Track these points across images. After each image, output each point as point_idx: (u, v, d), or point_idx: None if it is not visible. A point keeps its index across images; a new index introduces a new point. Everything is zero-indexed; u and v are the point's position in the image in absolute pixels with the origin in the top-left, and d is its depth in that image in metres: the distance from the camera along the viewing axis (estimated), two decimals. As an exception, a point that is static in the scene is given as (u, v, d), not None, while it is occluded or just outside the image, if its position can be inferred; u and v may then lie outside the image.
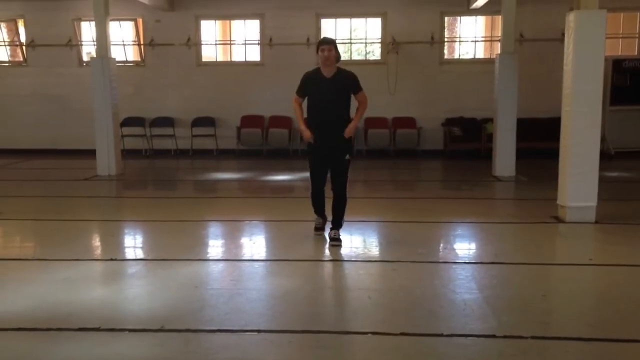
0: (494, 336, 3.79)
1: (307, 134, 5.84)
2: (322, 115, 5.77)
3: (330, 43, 5.74)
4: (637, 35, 13.24)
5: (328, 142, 5.78)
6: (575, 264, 5.48)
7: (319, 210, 6.17)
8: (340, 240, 5.83)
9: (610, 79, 12.32)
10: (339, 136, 5.74)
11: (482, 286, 4.77)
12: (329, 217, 6.08)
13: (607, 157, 11.37)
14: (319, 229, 6.21)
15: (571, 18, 6.66)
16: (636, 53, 13.24)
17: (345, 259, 5.56)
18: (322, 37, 6.36)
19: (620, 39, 13.38)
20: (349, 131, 5.75)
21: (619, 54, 13.19)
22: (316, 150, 5.84)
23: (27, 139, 14.00)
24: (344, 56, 13.83)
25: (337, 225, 5.92)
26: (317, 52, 5.78)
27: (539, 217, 7.11)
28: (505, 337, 3.78)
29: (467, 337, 3.79)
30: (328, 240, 5.90)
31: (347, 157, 5.84)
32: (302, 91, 5.94)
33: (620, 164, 11.61)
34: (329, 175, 5.97)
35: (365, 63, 13.94)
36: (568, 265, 5.53)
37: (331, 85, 5.75)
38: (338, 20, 13.78)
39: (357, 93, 5.84)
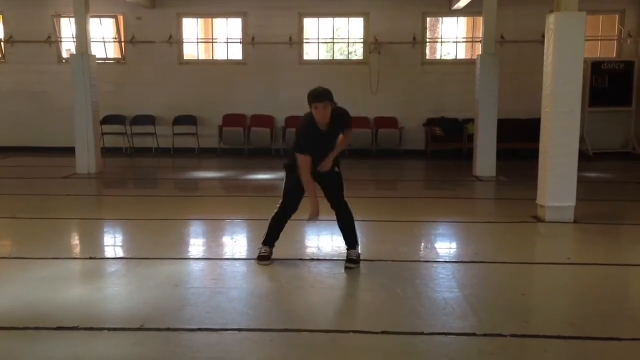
0: (474, 334, 3.82)
1: (315, 210, 5.01)
2: (316, 160, 5.03)
3: (325, 99, 4.84)
4: (615, 38, 13.41)
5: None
6: (554, 263, 5.53)
7: (273, 238, 5.37)
8: (358, 262, 5.19)
9: (589, 80, 12.50)
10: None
11: (463, 285, 4.80)
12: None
13: (585, 158, 11.52)
14: (265, 257, 5.31)
15: (551, 20, 6.72)
16: (615, 55, 13.42)
17: (327, 257, 5.55)
18: (313, 89, 4.95)
19: (599, 41, 13.54)
20: (325, 164, 5.09)
21: (598, 55, 13.35)
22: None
23: (6, 137, 13.79)
24: (327, 56, 13.98)
25: (352, 243, 5.26)
26: (310, 106, 4.88)
27: (519, 216, 7.16)
28: (485, 335, 3.81)
29: (447, 336, 3.81)
30: (346, 261, 5.21)
31: (337, 169, 5.24)
32: (308, 148, 4.95)
33: (599, 164, 11.76)
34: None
35: (348, 63, 13.98)
36: (547, 264, 5.58)
37: (328, 136, 5.04)
38: (320, 19, 13.77)
39: (345, 131, 5.15)
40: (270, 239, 5.37)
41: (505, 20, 12.30)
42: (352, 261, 5.18)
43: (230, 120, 13.53)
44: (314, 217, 5.05)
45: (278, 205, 5.32)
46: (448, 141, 13.06)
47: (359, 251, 5.29)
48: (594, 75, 12.65)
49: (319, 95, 4.87)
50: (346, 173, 5.56)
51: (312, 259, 5.50)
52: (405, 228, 6.78)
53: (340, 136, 5.17)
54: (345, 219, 5.24)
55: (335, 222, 5.34)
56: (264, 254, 5.32)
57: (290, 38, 13.41)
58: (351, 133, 5.26)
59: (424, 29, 13.59)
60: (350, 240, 5.27)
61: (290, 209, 5.27)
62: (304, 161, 4.93)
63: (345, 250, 5.30)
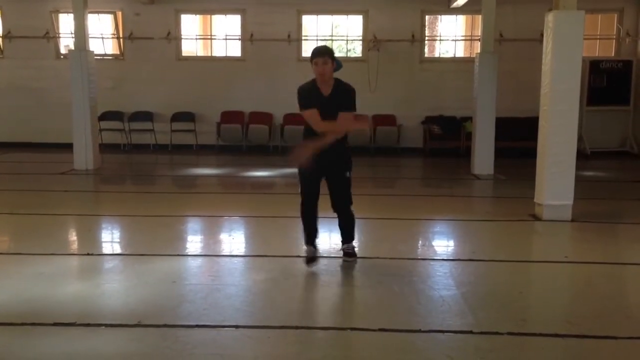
0: (471, 332, 3.83)
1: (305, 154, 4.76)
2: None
3: (325, 54, 4.77)
4: (614, 37, 13.42)
5: (324, 162, 4.85)
6: (551, 261, 5.53)
7: (310, 236, 5.16)
8: (355, 255, 5.22)
9: (588, 79, 12.49)
10: (337, 159, 4.96)
11: (460, 283, 4.80)
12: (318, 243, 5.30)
13: (583, 157, 11.53)
14: (312, 260, 5.12)
15: (550, 18, 6.72)
16: (613, 54, 13.43)
17: (324, 255, 5.55)
18: (316, 46, 4.98)
19: (598, 40, 13.55)
20: (327, 139, 4.77)
21: (596, 55, 13.36)
22: (309, 168, 4.88)
23: (4, 133, 13.74)
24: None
25: (348, 238, 5.20)
26: (311, 63, 4.80)
27: (516, 214, 7.17)
28: (482, 333, 3.82)
29: (444, 333, 3.82)
30: (343, 255, 5.20)
31: (348, 174, 5.02)
32: (311, 103, 4.84)
33: (596, 163, 11.77)
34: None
35: (346, 60, 13.71)
36: (544, 262, 5.58)
37: (330, 103, 4.83)
38: (319, 16, 13.76)
39: (348, 110, 4.87)
40: (308, 238, 5.17)
41: (504, 19, 12.30)
42: (348, 255, 5.18)
43: (229, 117, 13.51)
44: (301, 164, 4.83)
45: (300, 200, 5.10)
46: (446, 139, 13.06)
47: (354, 245, 5.27)
48: (592, 74, 12.64)
49: (320, 50, 4.83)
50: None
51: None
52: (403, 226, 6.78)
53: (340, 114, 4.84)
54: (345, 219, 5.15)
55: (332, 220, 5.31)
56: (308, 256, 5.13)
57: (289, 35, 13.39)
58: (349, 117, 4.87)
59: (423, 26, 13.58)
60: (347, 236, 5.21)
61: (309, 198, 5.01)
62: (311, 115, 4.81)
63: (341, 246, 5.28)
